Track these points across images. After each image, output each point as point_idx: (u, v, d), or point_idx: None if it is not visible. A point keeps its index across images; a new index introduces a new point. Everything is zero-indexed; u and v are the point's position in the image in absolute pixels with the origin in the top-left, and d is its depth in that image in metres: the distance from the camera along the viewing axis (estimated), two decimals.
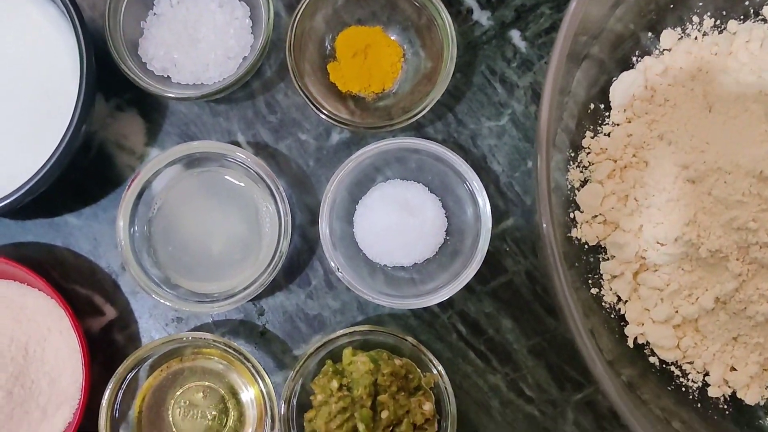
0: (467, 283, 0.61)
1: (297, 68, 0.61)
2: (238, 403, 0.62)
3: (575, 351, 0.62)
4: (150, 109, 0.66)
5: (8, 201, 0.56)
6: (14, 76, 0.60)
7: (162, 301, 0.59)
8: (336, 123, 0.61)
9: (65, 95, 0.59)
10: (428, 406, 0.59)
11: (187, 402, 0.62)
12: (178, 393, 0.62)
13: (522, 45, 0.67)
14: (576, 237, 0.61)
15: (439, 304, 0.64)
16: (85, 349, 0.58)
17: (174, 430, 0.62)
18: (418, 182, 0.64)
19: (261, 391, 0.59)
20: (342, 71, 0.64)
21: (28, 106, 0.59)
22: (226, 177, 0.63)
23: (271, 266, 0.60)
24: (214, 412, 0.62)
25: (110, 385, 0.59)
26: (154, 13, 0.64)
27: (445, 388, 0.59)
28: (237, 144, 0.65)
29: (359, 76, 0.64)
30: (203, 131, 0.66)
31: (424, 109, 0.61)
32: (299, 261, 0.65)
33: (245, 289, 0.60)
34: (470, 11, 0.67)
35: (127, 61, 0.61)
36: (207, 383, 0.62)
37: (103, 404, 0.59)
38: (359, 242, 0.63)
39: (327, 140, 0.66)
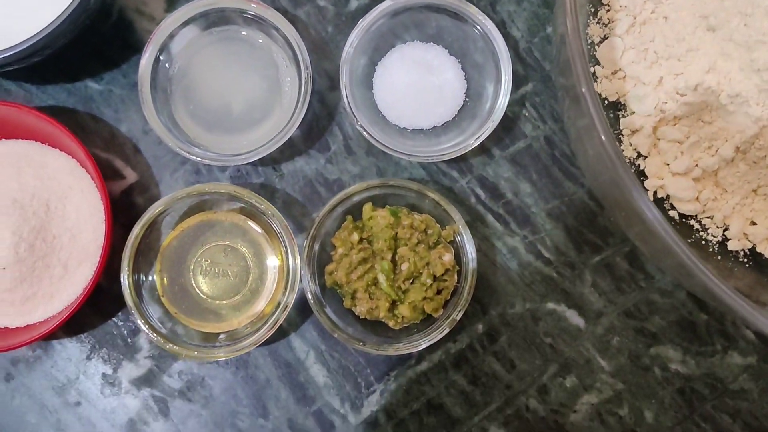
0: (486, 148, 0.61)
1: None
2: (259, 260, 0.62)
3: (594, 214, 0.63)
4: None
5: (25, 47, 0.55)
6: None
7: (185, 154, 0.59)
8: None
9: None
10: (448, 257, 0.60)
11: (208, 260, 0.62)
12: (199, 251, 0.62)
13: None
14: (597, 93, 0.61)
15: (458, 169, 0.64)
16: (108, 205, 0.59)
17: (195, 288, 0.62)
18: (438, 44, 0.64)
19: (282, 243, 0.60)
20: None
21: None
22: (245, 35, 0.63)
23: (290, 123, 0.60)
24: (235, 269, 0.62)
25: (130, 241, 0.59)
26: None
27: (463, 238, 0.60)
28: None
29: None
30: None
31: None
32: (318, 126, 0.65)
33: (265, 145, 0.60)
34: None
35: None
36: (227, 242, 0.62)
37: (125, 260, 0.59)
38: (378, 104, 0.64)
39: (346, 6, 0.66)
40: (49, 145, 0.63)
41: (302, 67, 0.60)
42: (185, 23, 0.61)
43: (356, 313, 0.60)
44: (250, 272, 0.62)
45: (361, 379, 0.63)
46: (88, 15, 0.58)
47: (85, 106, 0.65)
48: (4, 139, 0.63)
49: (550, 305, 0.64)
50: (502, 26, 0.66)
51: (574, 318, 0.64)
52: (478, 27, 0.61)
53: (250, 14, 0.61)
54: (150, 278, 0.61)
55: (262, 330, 0.59)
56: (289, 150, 0.65)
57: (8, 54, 0.55)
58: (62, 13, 0.56)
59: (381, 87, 0.63)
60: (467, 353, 0.63)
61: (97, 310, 0.63)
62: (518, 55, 0.65)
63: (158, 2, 0.66)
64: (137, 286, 0.60)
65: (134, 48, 0.65)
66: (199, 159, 0.60)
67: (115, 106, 0.65)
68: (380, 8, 0.60)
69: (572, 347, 0.64)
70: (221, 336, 0.61)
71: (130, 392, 0.63)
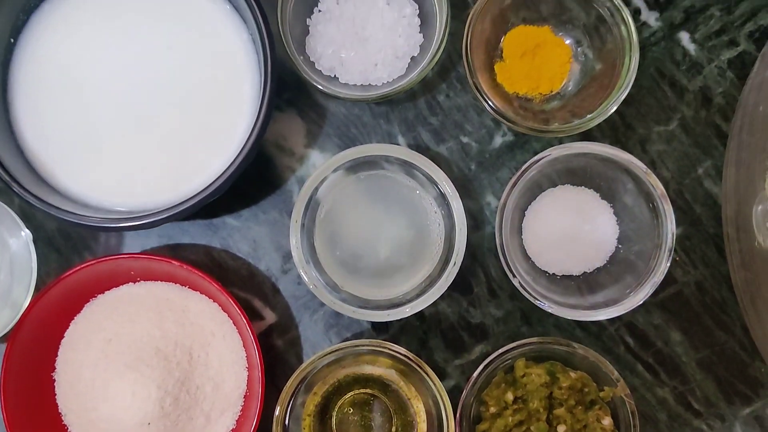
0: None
1: (473, 68, 0.59)
2: (403, 411, 0.60)
3: (745, 364, 0.61)
4: (309, 109, 0.64)
5: (190, 205, 0.54)
6: (184, 73, 0.58)
7: (331, 305, 0.57)
8: (505, 122, 0.59)
9: (239, 95, 0.58)
10: (607, 421, 0.58)
11: (350, 410, 0.60)
12: (340, 402, 0.61)
13: (691, 47, 0.64)
14: None
15: None
16: (260, 354, 0.57)
17: None
18: (588, 188, 0.62)
19: (435, 397, 0.58)
20: (509, 72, 0.63)
21: (199, 105, 0.58)
22: (393, 179, 0.61)
23: (444, 276, 0.58)
24: (378, 421, 0.60)
25: (279, 406, 0.57)
26: (319, 10, 0.62)
27: (628, 403, 0.57)
28: (398, 144, 0.64)
29: (528, 76, 0.62)
30: (363, 133, 0.64)
31: (598, 116, 0.59)
32: (461, 267, 0.63)
33: (415, 297, 0.58)
34: (638, 12, 0.65)
35: (298, 60, 0.60)
36: (369, 390, 0.61)
37: (276, 420, 0.57)
38: (528, 249, 0.62)
39: (490, 143, 0.64)
40: (189, 287, 0.61)
41: (455, 218, 0.58)
42: (335, 170, 0.59)
43: None
44: (393, 423, 0.60)
45: None
46: (251, 161, 0.56)
47: (222, 243, 0.63)
48: (142, 281, 0.61)
49: None
50: (651, 166, 0.63)
51: None
52: (630, 170, 0.59)
53: (396, 158, 0.59)
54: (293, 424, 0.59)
55: None
56: None
57: (183, 208, 0.54)
58: (232, 163, 0.54)
59: (531, 233, 0.61)
60: None
61: None
62: (668, 197, 0.63)
63: (298, 137, 0.64)
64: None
65: (273, 184, 0.64)
66: (350, 314, 0.58)
67: (253, 244, 0.63)
68: (542, 157, 0.58)
69: None
70: None
71: None
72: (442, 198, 0.59)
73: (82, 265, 0.57)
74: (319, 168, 0.58)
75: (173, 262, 0.58)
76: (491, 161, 0.64)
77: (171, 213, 0.54)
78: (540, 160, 0.58)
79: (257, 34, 0.56)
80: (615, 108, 0.59)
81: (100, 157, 0.57)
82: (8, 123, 0.58)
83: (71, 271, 0.57)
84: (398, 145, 0.64)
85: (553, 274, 0.62)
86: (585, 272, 0.62)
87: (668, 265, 0.57)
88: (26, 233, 0.62)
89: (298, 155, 0.64)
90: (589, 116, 0.59)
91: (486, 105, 0.59)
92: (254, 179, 0.63)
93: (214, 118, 0.58)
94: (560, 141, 0.62)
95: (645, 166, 0.58)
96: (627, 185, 0.61)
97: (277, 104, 0.64)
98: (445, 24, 0.59)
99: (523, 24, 0.63)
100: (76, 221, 0.54)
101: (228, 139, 0.57)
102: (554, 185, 0.62)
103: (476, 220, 0.64)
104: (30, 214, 0.62)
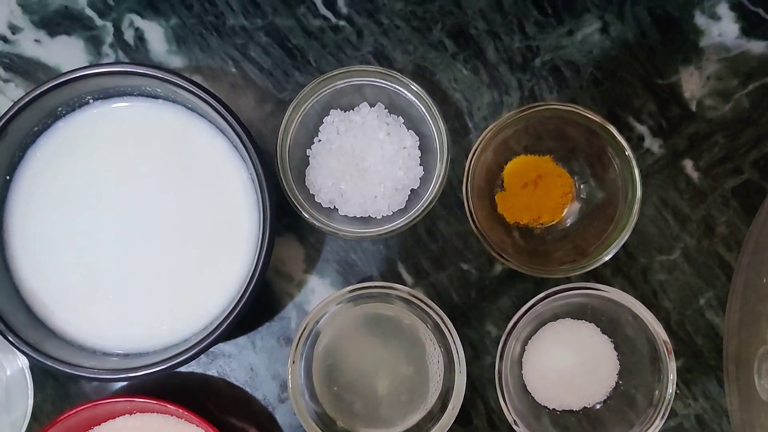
0: None
1: (473, 206, 0.58)
2: None
3: None
4: (308, 234, 0.64)
5: (192, 353, 0.53)
6: (183, 212, 0.58)
7: None
8: (507, 263, 0.59)
9: (238, 234, 0.57)
10: None
11: None
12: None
13: (695, 175, 0.64)
14: None
15: None
16: None
17: None
18: (589, 322, 0.62)
19: None
20: (510, 202, 0.62)
21: (198, 244, 0.57)
22: (393, 312, 0.61)
23: (445, 417, 0.57)
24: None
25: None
26: (319, 140, 0.62)
27: None
28: (397, 273, 0.63)
29: (528, 207, 0.62)
30: (363, 258, 0.63)
31: (602, 257, 0.58)
32: None
33: None
34: (642, 138, 0.64)
35: (297, 195, 0.59)
36: None
37: None
38: (528, 384, 0.61)
39: (490, 271, 0.63)
40: (184, 420, 0.61)
41: (456, 362, 0.57)
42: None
43: None
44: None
45: None
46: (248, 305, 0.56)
47: (219, 370, 0.63)
48: (138, 413, 0.61)
49: None
50: (653, 296, 0.63)
51: None
52: (630, 309, 0.59)
53: (398, 295, 0.59)
54: None
55: None
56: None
57: (180, 360, 0.53)
58: (231, 311, 0.54)
59: (532, 368, 0.61)
60: None
61: None
62: (669, 328, 0.63)
63: (297, 263, 0.63)
64: None
65: (271, 310, 0.63)
66: None
67: (250, 372, 0.63)
68: (544, 303, 0.58)
69: None
70: None
71: None
72: (441, 335, 0.59)
73: (78, 409, 0.57)
74: (317, 305, 0.58)
75: (168, 405, 0.57)
76: (492, 289, 0.63)
77: (167, 365, 0.53)
78: (540, 301, 0.58)
79: (255, 178, 0.55)
80: (620, 245, 0.58)
81: (98, 298, 0.57)
82: (4, 262, 0.57)
83: (66, 415, 0.57)
84: (397, 272, 0.63)
85: (554, 409, 0.61)
86: (585, 407, 0.61)
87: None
88: (22, 359, 0.61)
89: (296, 281, 0.63)
90: (588, 261, 0.58)
91: (492, 252, 0.58)
92: (251, 305, 0.62)
93: (213, 258, 0.57)
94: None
95: (651, 315, 0.57)
96: (628, 318, 0.60)
97: (276, 229, 0.63)
98: (446, 161, 0.59)
99: (524, 153, 0.62)
100: (72, 372, 0.53)
101: (228, 280, 0.57)
102: (555, 318, 0.62)
103: (476, 350, 0.63)
104: None
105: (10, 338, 0.53)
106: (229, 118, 0.54)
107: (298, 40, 0.64)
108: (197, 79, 0.64)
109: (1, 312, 0.54)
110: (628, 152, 0.58)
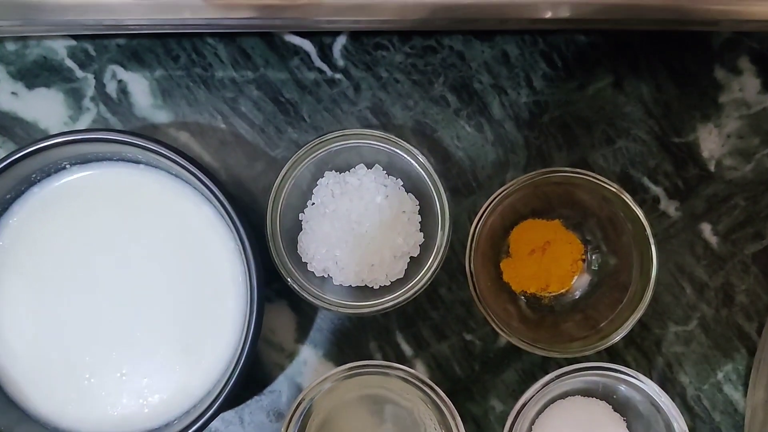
0: None
1: (475, 275, 0.54)
2: None
3: None
4: (301, 300, 0.59)
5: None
6: (166, 287, 0.54)
7: None
8: (515, 341, 0.55)
9: (222, 310, 0.54)
10: None
11: None
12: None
13: (713, 240, 0.60)
14: None
15: None
16: None
17: None
18: (600, 399, 0.58)
19: None
20: (517, 270, 0.58)
21: (180, 321, 0.54)
22: (390, 393, 0.57)
23: None
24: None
25: None
26: (312, 203, 0.58)
27: None
28: (395, 343, 0.59)
29: (536, 275, 0.58)
30: (358, 328, 0.60)
31: (620, 332, 0.54)
32: None
33: None
34: (657, 200, 0.60)
35: (288, 264, 0.55)
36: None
37: None
38: None
39: (495, 342, 0.60)
40: None
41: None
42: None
43: None
44: None
45: None
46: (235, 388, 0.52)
47: None
48: None
49: None
50: (668, 370, 0.59)
51: None
52: (643, 387, 0.55)
53: (394, 373, 0.55)
54: None
55: None
56: None
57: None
58: (227, 381, 0.50)
59: None
60: None
61: None
62: (685, 403, 0.59)
63: (288, 331, 0.60)
64: None
65: (260, 382, 0.60)
66: None
67: None
68: (557, 382, 0.54)
69: None
70: None
71: None
72: (443, 416, 0.55)
73: None
74: (310, 386, 0.54)
75: None
76: (496, 362, 0.59)
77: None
78: (552, 381, 0.54)
79: (242, 252, 0.51)
80: (634, 321, 0.54)
81: (74, 378, 0.53)
82: None
83: None
84: (396, 342, 0.59)
85: None
86: None
87: None
88: None
89: (287, 351, 0.60)
90: (601, 341, 0.54)
91: (496, 327, 0.54)
92: (239, 388, 0.59)
93: (197, 334, 0.54)
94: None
95: (671, 402, 0.53)
96: (642, 396, 0.56)
97: (267, 295, 0.59)
98: (447, 229, 0.55)
99: (532, 217, 0.59)
100: None
101: (213, 360, 0.53)
102: (564, 396, 0.58)
103: (479, 426, 0.59)
104: None
105: None
106: (215, 189, 0.50)
107: (291, 94, 0.60)
108: (184, 135, 0.60)
109: None
110: (643, 220, 0.54)
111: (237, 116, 0.60)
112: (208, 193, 0.51)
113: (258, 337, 0.51)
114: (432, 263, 0.55)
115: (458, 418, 0.53)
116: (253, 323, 0.50)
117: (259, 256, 0.51)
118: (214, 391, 0.52)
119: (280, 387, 0.59)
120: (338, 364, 0.59)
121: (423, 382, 0.53)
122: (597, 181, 0.54)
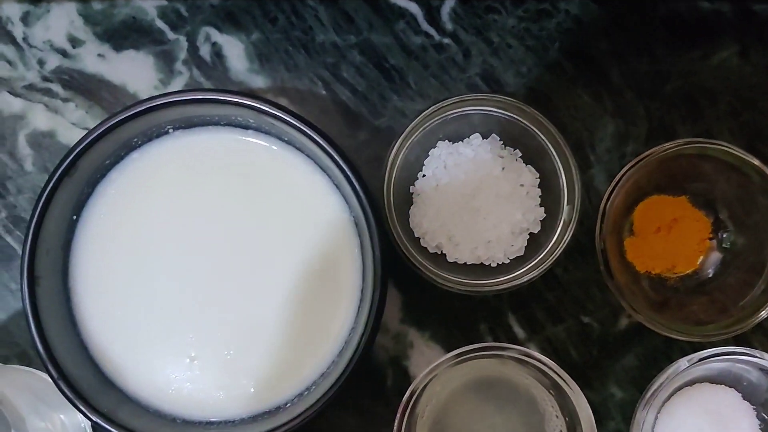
0: None
1: (609, 254, 0.51)
2: None
3: None
4: (407, 280, 0.56)
5: (296, 423, 0.46)
6: (274, 260, 0.50)
7: None
8: (644, 322, 0.51)
9: (336, 284, 0.50)
10: None
11: None
12: None
13: None
14: None
15: None
16: None
17: None
18: (729, 386, 0.54)
19: None
20: (641, 249, 0.55)
21: (291, 297, 0.50)
22: (507, 374, 0.53)
23: None
24: None
25: None
26: (424, 175, 0.54)
27: None
28: (507, 325, 0.56)
29: (662, 255, 0.54)
30: (468, 309, 0.56)
31: (751, 321, 0.51)
32: None
33: None
34: None
35: (403, 239, 0.51)
36: None
37: None
38: None
39: (614, 325, 0.56)
40: None
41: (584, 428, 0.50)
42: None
43: None
44: None
45: None
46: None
47: None
48: None
49: None
50: None
51: None
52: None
53: (509, 354, 0.51)
54: None
55: None
56: None
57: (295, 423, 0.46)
58: (339, 379, 0.47)
59: None
60: None
61: None
62: None
63: (393, 310, 0.56)
64: None
65: (364, 365, 0.56)
66: None
67: None
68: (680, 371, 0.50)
69: None
70: None
71: None
72: (564, 401, 0.51)
73: None
74: (421, 376, 0.50)
75: None
76: (616, 346, 0.56)
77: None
78: (687, 367, 0.50)
79: (363, 221, 0.47)
80: None
81: (176, 357, 0.49)
82: (70, 313, 0.49)
83: None
84: (508, 324, 0.56)
85: None
86: None
87: None
88: (83, 420, 0.54)
89: (392, 332, 0.56)
90: (736, 324, 0.51)
91: (632, 311, 0.51)
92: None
93: (308, 312, 0.50)
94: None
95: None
96: None
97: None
98: (577, 202, 0.51)
99: (656, 193, 0.55)
100: None
101: (325, 339, 0.50)
102: (691, 383, 0.54)
103: (598, 414, 0.55)
104: None
105: (82, 407, 0.46)
106: (335, 154, 0.47)
107: (396, 59, 0.57)
108: (282, 102, 0.56)
109: (69, 375, 0.47)
110: None
111: (339, 83, 0.57)
112: (326, 159, 0.47)
113: (382, 312, 0.47)
114: (559, 240, 0.51)
115: (583, 400, 0.50)
116: (377, 297, 0.46)
117: (382, 226, 0.47)
118: (328, 373, 0.49)
119: (384, 370, 0.56)
120: (446, 346, 0.56)
121: (541, 362, 0.50)
122: (737, 153, 0.50)
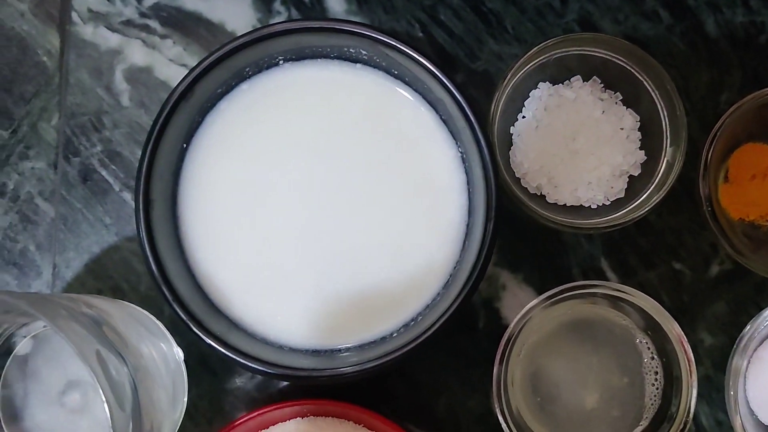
0: None
1: (713, 199, 0.51)
2: None
3: None
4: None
5: (405, 351, 0.46)
6: (380, 194, 0.51)
7: None
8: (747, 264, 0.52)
9: (442, 221, 0.50)
10: None
11: None
12: None
13: None
14: None
15: None
16: None
17: None
18: None
19: None
20: (736, 195, 0.55)
21: (395, 233, 0.50)
22: (602, 314, 0.54)
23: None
24: None
25: None
26: (524, 116, 0.55)
27: None
28: (599, 270, 0.56)
29: (757, 202, 0.55)
30: (560, 253, 0.57)
31: None
32: None
33: None
34: None
35: (506, 178, 0.52)
36: None
37: None
38: (751, 402, 0.54)
39: (706, 272, 0.56)
40: (364, 425, 0.54)
41: (684, 368, 0.50)
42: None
43: None
44: None
45: None
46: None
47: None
48: (312, 417, 0.54)
49: None
50: None
51: None
52: None
53: (607, 293, 0.52)
54: None
55: None
56: None
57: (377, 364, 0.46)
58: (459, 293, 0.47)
59: (756, 385, 0.54)
60: None
61: None
62: None
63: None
64: None
65: None
66: None
67: (432, 376, 0.56)
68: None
69: None
70: None
71: None
72: (662, 341, 0.52)
73: (249, 416, 0.50)
74: (518, 317, 0.51)
75: (351, 410, 0.51)
76: (706, 293, 0.56)
77: (365, 368, 0.46)
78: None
79: (477, 156, 0.47)
80: None
81: (282, 286, 0.50)
82: (178, 241, 0.50)
83: (246, 418, 0.50)
84: (600, 269, 0.56)
85: None
86: None
87: None
88: (178, 352, 0.54)
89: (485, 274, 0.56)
90: None
91: (735, 254, 0.51)
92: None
93: (413, 246, 0.50)
94: None
95: None
96: None
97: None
98: (683, 144, 0.51)
99: (751, 141, 0.55)
100: (270, 372, 0.46)
101: (429, 274, 0.50)
102: None
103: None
104: (181, 330, 0.54)
105: (196, 329, 0.46)
106: (453, 89, 0.47)
107: (493, 3, 0.57)
108: None
109: (182, 299, 0.47)
110: None
111: (436, 25, 0.57)
112: (441, 90, 0.48)
113: (494, 247, 0.47)
114: (662, 181, 0.52)
115: (686, 341, 0.50)
116: (490, 229, 0.46)
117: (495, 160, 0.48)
118: (433, 305, 0.49)
119: (477, 311, 0.56)
120: (539, 289, 0.56)
121: (640, 299, 0.50)
122: None
